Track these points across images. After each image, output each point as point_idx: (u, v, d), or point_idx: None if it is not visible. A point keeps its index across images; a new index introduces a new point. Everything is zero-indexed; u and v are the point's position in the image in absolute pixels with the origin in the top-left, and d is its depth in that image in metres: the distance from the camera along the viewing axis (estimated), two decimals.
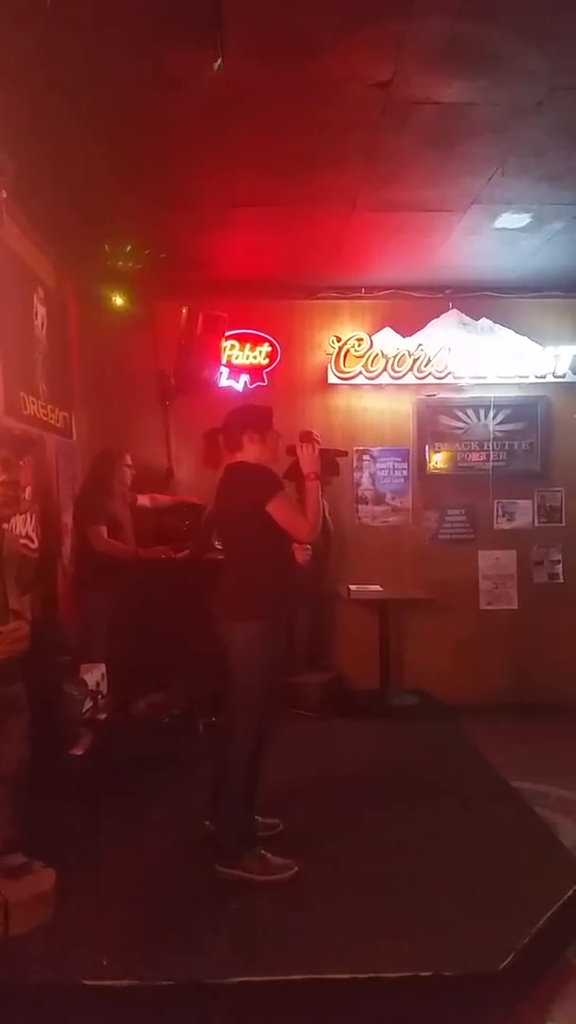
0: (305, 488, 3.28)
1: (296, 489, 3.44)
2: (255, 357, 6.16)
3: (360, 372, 6.14)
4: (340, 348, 6.12)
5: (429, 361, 6.12)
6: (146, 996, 2.53)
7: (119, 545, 5.02)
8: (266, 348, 6.16)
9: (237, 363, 6.13)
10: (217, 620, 3.26)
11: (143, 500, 5.50)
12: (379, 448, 6.29)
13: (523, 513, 6.31)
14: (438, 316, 6.17)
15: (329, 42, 3.03)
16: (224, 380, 6.09)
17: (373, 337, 6.14)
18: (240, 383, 6.13)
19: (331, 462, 5.54)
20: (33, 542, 4.30)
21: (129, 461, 5.24)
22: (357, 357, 6.12)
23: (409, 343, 6.14)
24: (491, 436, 6.26)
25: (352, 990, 2.56)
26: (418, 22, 2.89)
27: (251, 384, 6.15)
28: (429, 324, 6.17)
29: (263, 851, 3.18)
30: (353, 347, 6.12)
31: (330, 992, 2.57)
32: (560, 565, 6.30)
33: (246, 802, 3.24)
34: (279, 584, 3.28)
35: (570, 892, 3.06)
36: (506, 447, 6.27)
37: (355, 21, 2.90)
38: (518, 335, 6.17)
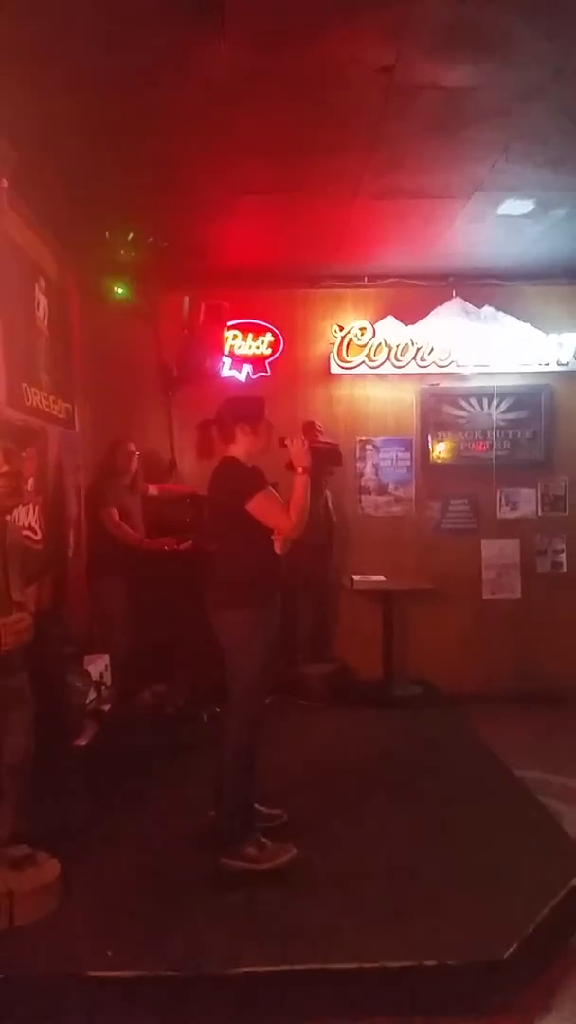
0: (293, 481, 3.28)
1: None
2: (258, 347, 6.14)
3: (363, 361, 6.11)
4: (343, 337, 6.09)
5: (432, 350, 6.09)
6: (151, 986, 2.54)
7: (128, 530, 5.12)
8: (268, 338, 6.14)
9: (240, 353, 6.11)
10: (210, 610, 3.29)
11: (153, 490, 5.56)
12: (382, 438, 6.27)
13: (526, 502, 6.29)
14: (441, 304, 6.14)
15: (331, 27, 3.00)
16: (227, 370, 6.07)
17: (376, 326, 6.10)
18: (243, 373, 6.10)
19: (333, 452, 5.53)
20: (36, 534, 4.30)
21: (133, 449, 5.30)
22: (360, 346, 6.09)
23: (412, 332, 6.11)
24: (494, 425, 6.23)
25: (357, 979, 2.57)
26: (421, 6, 2.86)
27: (254, 374, 6.12)
28: (432, 312, 6.13)
29: (261, 838, 3.20)
30: (356, 336, 6.09)
31: (335, 982, 2.58)
32: (563, 554, 6.28)
33: (244, 789, 3.26)
34: (268, 572, 3.31)
35: (574, 881, 3.06)
36: (509, 436, 6.25)
37: (357, 5, 2.86)
38: (522, 323, 6.13)
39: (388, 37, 3.06)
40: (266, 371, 6.14)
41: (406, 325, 6.12)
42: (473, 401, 6.24)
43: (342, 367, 6.13)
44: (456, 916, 2.82)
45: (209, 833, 3.32)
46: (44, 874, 2.87)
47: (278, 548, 3.27)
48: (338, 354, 6.11)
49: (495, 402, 6.22)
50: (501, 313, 6.13)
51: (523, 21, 2.97)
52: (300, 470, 3.27)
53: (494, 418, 6.23)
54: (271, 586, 3.35)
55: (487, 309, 6.13)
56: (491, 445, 6.24)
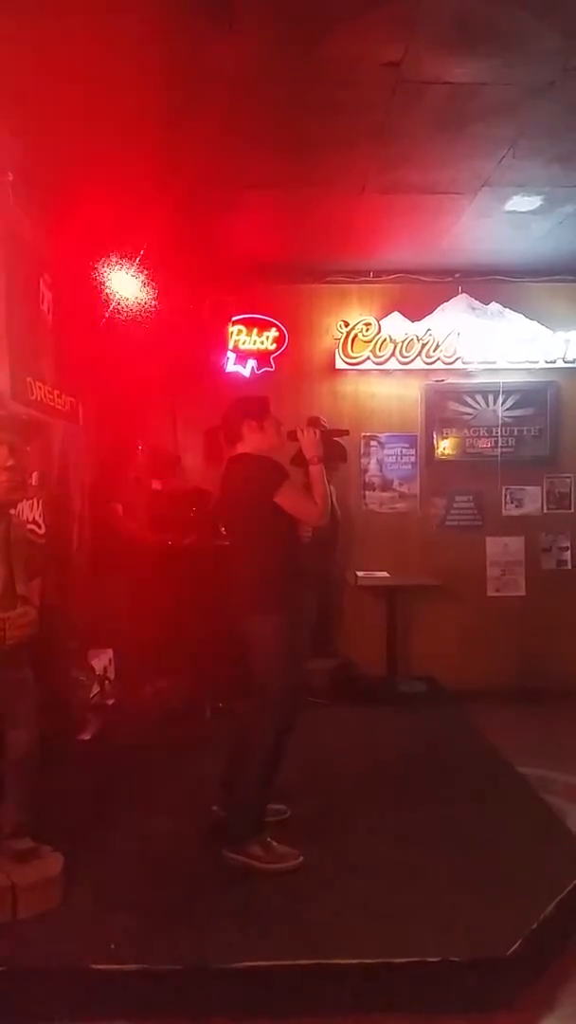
0: (309, 473, 3.27)
1: (303, 475, 3.42)
2: (262, 342, 6.12)
3: (368, 357, 6.09)
4: (348, 333, 6.07)
5: (438, 346, 6.07)
6: (154, 980, 2.54)
7: (132, 525, 5.12)
8: (273, 333, 6.12)
9: (244, 348, 6.09)
10: (234, 614, 3.24)
11: (156, 485, 5.58)
12: (387, 434, 6.26)
13: (531, 499, 6.28)
14: (447, 300, 6.12)
15: (339, 21, 2.99)
16: (231, 365, 6.06)
17: (381, 322, 6.09)
18: (247, 368, 6.09)
19: (338, 448, 5.53)
20: (40, 528, 4.30)
21: (143, 447, 5.36)
22: (365, 342, 6.08)
23: (418, 328, 6.09)
24: (500, 422, 6.21)
25: (360, 975, 2.57)
26: (429, 0, 2.84)
27: (258, 369, 6.11)
28: (438, 308, 6.12)
29: (269, 838, 3.19)
30: (361, 332, 6.07)
31: (338, 977, 2.57)
32: (568, 552, 6.27)
33: (263, 790, 3.24)
34: (292, 574, 3.26)
35: None
36: (515, 433, 6.23)
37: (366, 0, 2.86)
38: (528, 319, 6.12)
39: (395, 32, 3.05)
40: (270, 366, 6.13)
41: (412, 321, 6.10)
42: (479, 398, 6.23)
43: (347, 363, 6.12)
44: (460, 913, 2.82)
45: (212, 828, 3.32)
46: (47, 867, 2.88)
47: (304, 537, 3.25)
48: (343, 350, 6.09)
49: (501, 399, 6.20)
50: (507, 310, 6.11)
51: (532, 16, 2.95)
52: (314, 460, 3.25)
53: (500, 415, 6.21)
54: (297, 585, 3.28)
55: (493, 306, 6.11)
56: (496, 442, 6.22)
